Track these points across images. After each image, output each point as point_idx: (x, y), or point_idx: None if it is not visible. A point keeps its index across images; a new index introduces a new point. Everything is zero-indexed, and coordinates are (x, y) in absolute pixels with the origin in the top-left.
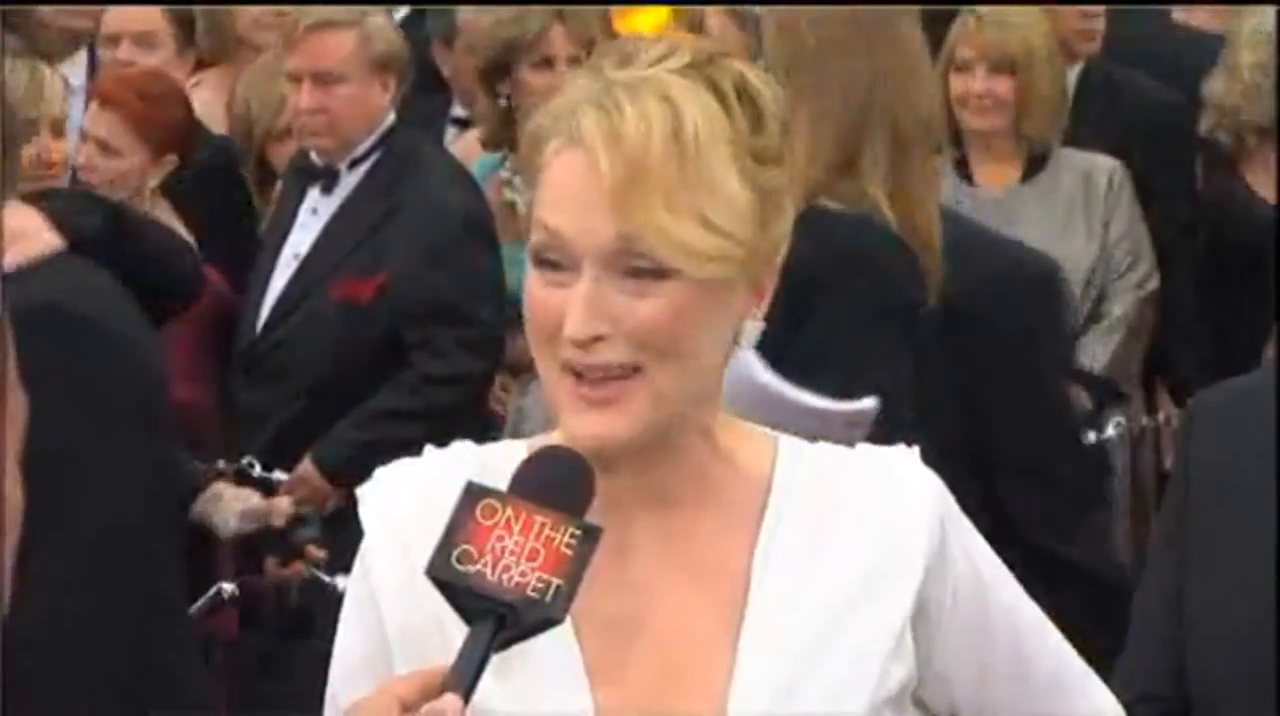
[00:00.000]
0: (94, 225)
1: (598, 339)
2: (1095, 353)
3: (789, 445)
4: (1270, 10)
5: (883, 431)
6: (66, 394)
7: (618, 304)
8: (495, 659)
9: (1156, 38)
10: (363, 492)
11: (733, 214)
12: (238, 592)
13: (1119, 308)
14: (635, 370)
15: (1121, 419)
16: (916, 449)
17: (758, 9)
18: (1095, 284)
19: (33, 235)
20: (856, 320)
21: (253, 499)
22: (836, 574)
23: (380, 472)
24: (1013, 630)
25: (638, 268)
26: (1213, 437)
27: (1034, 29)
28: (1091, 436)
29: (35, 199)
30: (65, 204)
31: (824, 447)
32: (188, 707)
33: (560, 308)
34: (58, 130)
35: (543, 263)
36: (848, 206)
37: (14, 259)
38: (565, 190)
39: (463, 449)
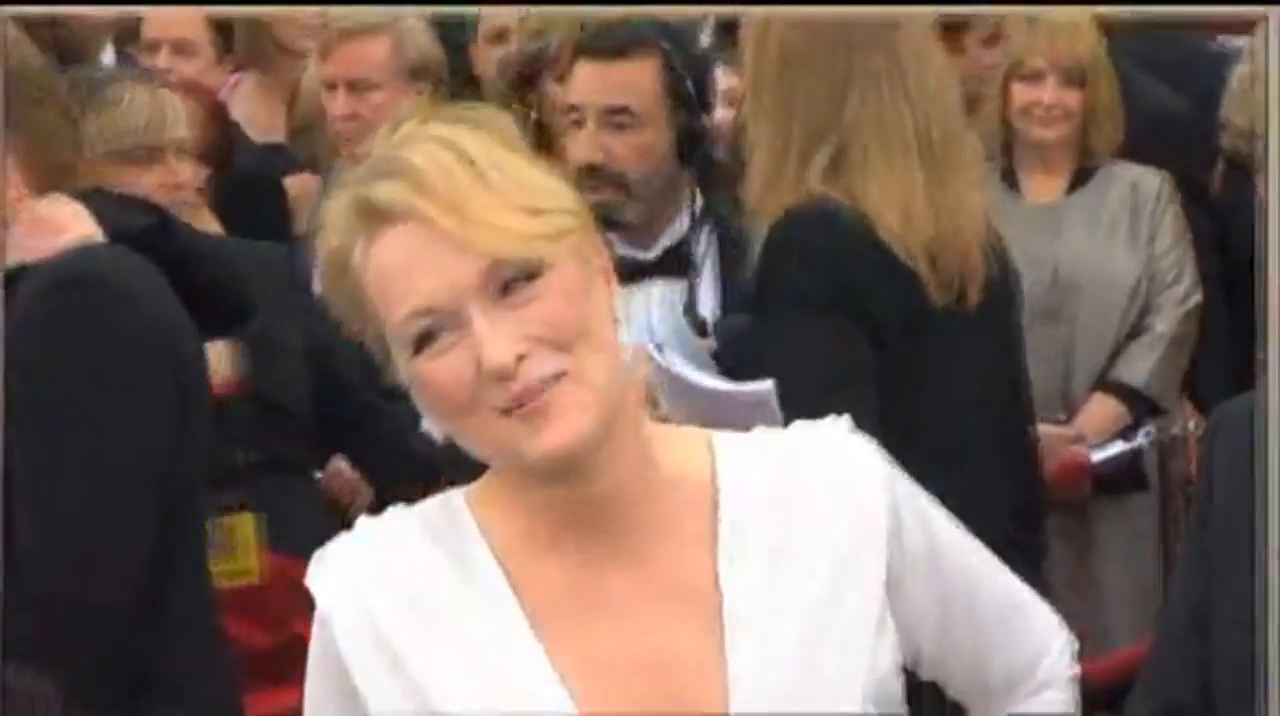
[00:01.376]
0: (138, 224)
1: (520, 359)
2: (1137, 367)
3: (725, 442)
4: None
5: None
6: (88, 355)
7: (515, 320)
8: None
9: (1174, 47)
10: (311, 575)
11: (550, 193)
12: None
13: (1162, 323)
14: (561, 376)
15: (1151, 428)
16: (847, 418)
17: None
18: (1140, 297)
19: (74, 225)
20: (795, 309)
21: None
22: (805, 568)
23: (321, 553)
24: (963, 572)
25: (510, 282)
26: (1235, 447)
27: (1093, 36)
28: (1120, 444)
29: (83, 195)
30: (112, 203)
31: (759, 438)
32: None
33: (464, 366)
34: (181, 151)
35: (424, 340)
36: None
37: (58, 244)
38: (405, 266)
39: (398, 512)
